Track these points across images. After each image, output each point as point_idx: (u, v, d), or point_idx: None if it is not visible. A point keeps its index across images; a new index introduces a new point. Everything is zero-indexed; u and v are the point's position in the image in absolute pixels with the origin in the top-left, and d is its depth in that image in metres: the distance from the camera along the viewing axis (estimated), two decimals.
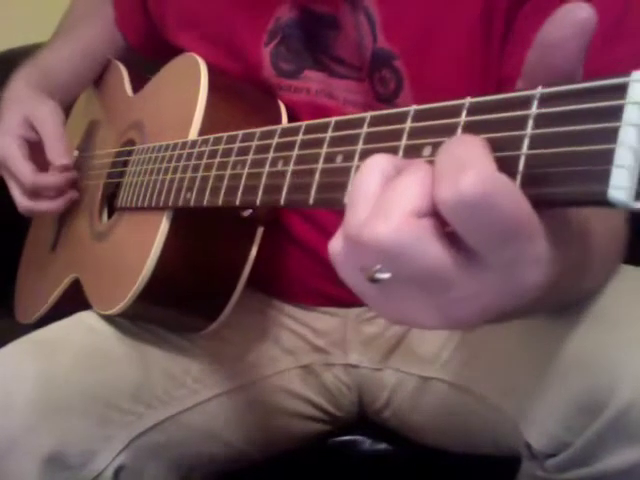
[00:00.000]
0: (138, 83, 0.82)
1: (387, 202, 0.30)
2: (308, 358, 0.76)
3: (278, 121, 0.65)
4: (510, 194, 0.28)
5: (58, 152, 0.75)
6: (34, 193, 0.76)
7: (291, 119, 0.65)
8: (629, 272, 0.57)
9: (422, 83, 0.62)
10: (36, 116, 0.77)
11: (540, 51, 0.30)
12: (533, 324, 0.58)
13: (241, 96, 0.66)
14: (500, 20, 0.58)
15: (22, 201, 0.77)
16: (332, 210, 0.68)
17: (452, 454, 0.73)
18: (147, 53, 0.87)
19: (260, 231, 0.63)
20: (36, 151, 0.76)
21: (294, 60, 0.67)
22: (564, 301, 0.51)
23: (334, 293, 0.74)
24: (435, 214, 0.29)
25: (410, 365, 0.72)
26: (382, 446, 0.78)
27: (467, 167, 0.28)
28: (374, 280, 0.30)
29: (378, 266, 0.30)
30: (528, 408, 0.57)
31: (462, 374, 0.67)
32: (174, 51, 0.74)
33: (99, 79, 0.89)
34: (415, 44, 0.61)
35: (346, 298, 0.74)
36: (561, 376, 0.54)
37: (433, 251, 0.29)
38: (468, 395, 0.67)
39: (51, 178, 0.75)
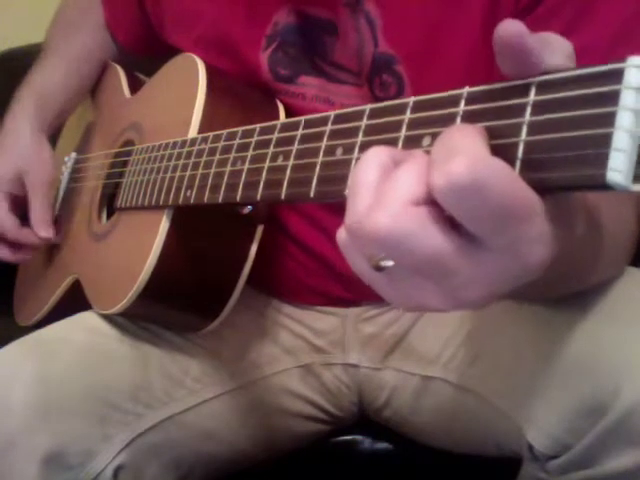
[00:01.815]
0: (135, 84, 0.82)
1: (386, 193, 0.31)
2: (308, 358, 0.76)
3: (276, 119, 0.65)
4: (503, 177, 0.28)
5: (42, 222, 0.78)
6: (11, 244, 0.79)
7: None
8: (636, 274, 0.57)
9: (424, 87, 0.61)
10: (29, 176, 0.79)
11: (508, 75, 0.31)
12: (536, 325, 0.59)
13: (239, 96, 0.66)
14: None
15: None
16: (332, 208, 0.68)
17: (452, 454, 0.72)
18: (139, 52, 0.87)
19: (260, 229, 0.63)
20: (22, 204, 0.79)
21: (291, 65, 0.67)
22: (568, 286, 0.51)
23: (334, 292, 0.74)
24: (434, 201, 0.30)
25: (411, 365, 0.72)
26: (382, 446, 0.78)
27: (458, 153, 0.28)
28: (379, 268, 0.31)
29: (382, 254, 0.31)
30: (531, 409, 0.57)
31: (464, 374, 0.67)
32: (167, 48, 0.74)
33: (97, 82, 0.89)
34: (417, 47, 0.61)
35: (345, 297, 0.74)
36: (564, 378, 0.54)
37: (433, 238, 0.30)
38: (470, 395, 0.66)
39: (32, 239, 0.79)
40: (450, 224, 0.30)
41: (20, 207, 0.80)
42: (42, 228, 0.78)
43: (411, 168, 0.31)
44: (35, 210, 0.78)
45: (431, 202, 0.30)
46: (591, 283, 0.54)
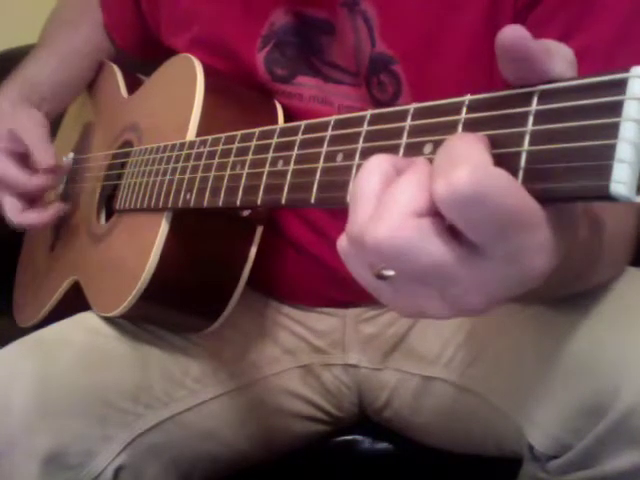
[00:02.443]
0: (133, 84, 0.82)
1: (386, 204, 0.31)
2: (308, 358, 0.76)
3: (274, 121, 0.65)
4: (505, 187, 0.28)
5: (44, 154, 0.76)
6: (31, 200, 0.77)
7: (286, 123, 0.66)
8: (636, 275, 0.57)
9: (422, 88, 0.61)
10: (20, 127, 0.77)
11: (510, 81, 0.31)
12: (537, 325, 0.59)
13: (237, 97, 0.66)
14: (507, 21, 0.57)
15: (15, 215, 0.76)
16: (330, 212, 0.68)
17: (453, 454, 0.73)
18: (137, 54, 0.87)
19: (259, 230, 0.63)
20: (23, 162, 0.77)
21: (288, 65, 0.67)
22: (569, 288, 0.51)
23: (332, 294, 0.74)
24: (435, 212, 0.30)
25: (411, 365, 0.72)
26: (382, 446, 0.78)
27: (460, 162, 0.28)
28: (381, 277, 0.31)
29: (383, 264, 0.31)
30: (531, 409, 0.57)
31: (465, 374, 0.67)
32: (165, 51, 0.74)
33: (93, 81, 0.89)
34: (415, 48, 0.61)
35: (345, 299, 0.74)
36: (565, 378, 0.54)
37: (433, 250, 0.30)
38: (471, 396, 0.66)
39: (43, 178, 0.76)
40: (451, 233, 0.30)
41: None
42: (44, 157, 0.75)
43: (412, 178, 0.31)
44: (36, 147, 0.76)
45: (432, 212, 0.30)
46: (591, 284, 0.54)
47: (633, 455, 0.51)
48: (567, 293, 0.53)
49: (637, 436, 0.50)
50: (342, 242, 0.33)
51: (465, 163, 0.28)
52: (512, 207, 0.28)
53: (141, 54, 0.86)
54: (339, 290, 0.72)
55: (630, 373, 0.50)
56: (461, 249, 0.30)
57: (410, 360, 0.73)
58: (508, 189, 0.28)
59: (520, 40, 0.29)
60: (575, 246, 0.37)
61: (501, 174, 0.28)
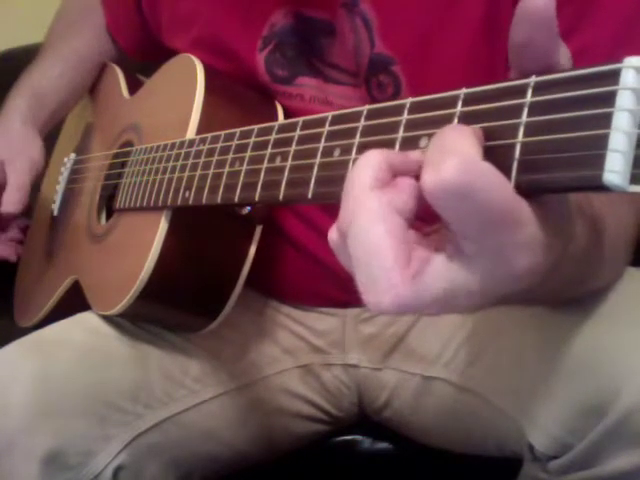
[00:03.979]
0: (134, 85, 0.82)
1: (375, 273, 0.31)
2: (307, 358, 0.76)
3: (274, 120, 0.65)
4: (492, 181, 0.28)
5: (9, 200, 0.77)
6: None
7: None
8: (636, 275, 0.57)
9: (422, 88, 0.61)
10: (11, 163, 0.78)
11: (515, 50, 0.31)
12: (537, 325, 0.59)
13: (238, 96, 0.66)
14: (507, 21, 0.57)
15: None
16: (330, 211, 0.68)
17: (453, 454, 0.72)
18: (141, 57, 0.87)
19: (259, 230, 0.63)
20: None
21: (288, 66, 0.67)
22: (572, 291, 0.51)
23: (332, 294, 0.74)
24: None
25: (411, 365, 0.72)
26: (382, 446, 0.78)
27: (449, 154, 0.28)
28: None
29: None
30: (532, 409, 0.57)
31: (465, 374, 0.67)
32: (167, 53, 0.74)
33: (95, 82, 0.89)
34: (414, 48, 0.61)
35: (344, 299, 0.74)
36: (566, 378, 0.54)
37: (438, 284, 0.30)
38: (471, 396, 0.66)
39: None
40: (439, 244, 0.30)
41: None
42: (7, 203, 0.77)
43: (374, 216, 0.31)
44: (7, 191, 0.77)
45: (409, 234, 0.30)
46: (592, 289, 0.54)
47: (633, 455, 0.50)
48: (568, 297, 0.53)
49: (637, 436, 0.50)
50: (333, 234, 0.33)
51: (454, 155, 0.28)
52: (498, 201, 0.28)
53: (145, 57, 0.86)
54: (339, 290, 0.72)
55: (631, 373, 0.50)
56: (461, 262, 0.30)
57: (410, 360, 0.73)
58: (495, 183, 0.28)
59: (551, 5, 0.29)
60: (574, 253, 0.37)
61: (489, 168, 0.28)
